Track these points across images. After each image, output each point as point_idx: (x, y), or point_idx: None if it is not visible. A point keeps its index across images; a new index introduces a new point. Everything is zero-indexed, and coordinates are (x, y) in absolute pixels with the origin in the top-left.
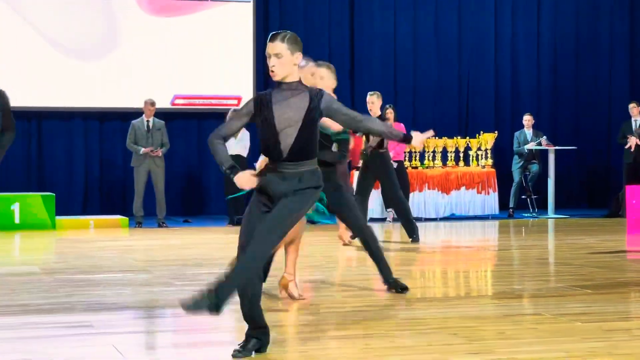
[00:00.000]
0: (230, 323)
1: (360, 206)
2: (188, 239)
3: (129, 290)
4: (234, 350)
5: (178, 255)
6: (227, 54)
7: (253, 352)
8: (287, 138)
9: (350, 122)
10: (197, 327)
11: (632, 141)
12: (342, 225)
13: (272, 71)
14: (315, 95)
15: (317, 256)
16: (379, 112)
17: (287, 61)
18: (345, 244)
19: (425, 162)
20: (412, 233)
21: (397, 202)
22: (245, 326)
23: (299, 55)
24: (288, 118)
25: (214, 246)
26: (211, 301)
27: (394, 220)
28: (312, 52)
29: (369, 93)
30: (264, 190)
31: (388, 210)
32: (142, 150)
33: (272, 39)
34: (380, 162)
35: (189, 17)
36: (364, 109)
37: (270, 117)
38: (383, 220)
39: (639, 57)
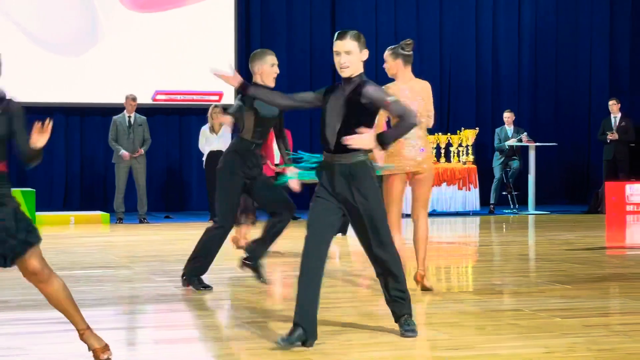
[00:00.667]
0: (211, 320)
1: None
2: (169, 235)
3: (109, 286)
4: (279, 338)
5: (159, 251)
6: (208, 49)
7: (298, 343)
8: (333, 130)
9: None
10: (177, 324)
11: (612, 136)
12: (242, 229)
13: (343, 68)
14: (358, 85)
15: (298, 250)
16: None
17: (356, 58)
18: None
19: None
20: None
21: None
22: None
23: (366, 52)
24: (335, 110)
25: (195, 242)
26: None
27: None
28: (293, 48)
29: None
30: (324, 185)
31: None
32: (123, 154)
33: (342, 37)
34: None
35: (171, 13)
36: None
37: (324, 109)
38: None
39: (619, 53)
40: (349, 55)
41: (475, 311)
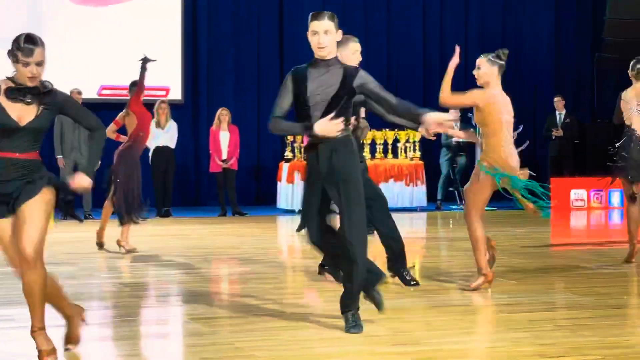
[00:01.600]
0: (157, 316)
1: None
2: (114, 231)
3: None
4: (348, 327)
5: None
6: (155, 44)
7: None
8: (317, 113)
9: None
10: (122, 320)
11: (557, 132)
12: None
13: (321, 47)
14: (351, 72)
15: (245, 247)
16: None
17: (333, 38)
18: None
19: None
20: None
21: None
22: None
23: (340, 33)
24: (319, 94)
25: (140, 238)
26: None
27: None
28: (241, 44)
29: None
30: (311, 170)
31: None
32: (60, 161)
33: (319, 17)
34: None
35: (117, 7)
36: None
37: (303, 92)
38: None
39: (564, 51)
40: (327, 35)
41: (422, 306)
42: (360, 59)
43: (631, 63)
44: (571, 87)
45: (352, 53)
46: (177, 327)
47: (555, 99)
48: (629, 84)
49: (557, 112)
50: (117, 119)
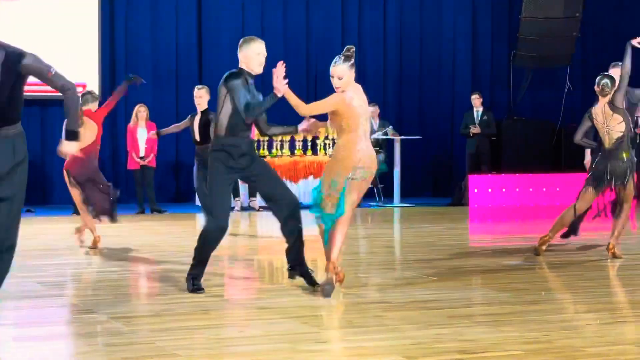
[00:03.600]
0: (76, 316)
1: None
2: (31, 229)
3: None
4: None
5: (21, 246)
6: (72, 40)
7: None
8: None
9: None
10: (39, 320)
11: (475, 129)
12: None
13: None
14: (13, 52)
15: (164, 245)
16: (206, 106)
17: None
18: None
19: (273, 151)
20: None
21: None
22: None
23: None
24: None
25: (58, 236)
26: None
27: (242, 209)
28: (159, 41)
29: (197, 87)
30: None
31: (236, 198)
32: None
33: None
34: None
35: (32, 1)
36: (211, 102)
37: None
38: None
39: (481, 49)
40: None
41: (343, 304)
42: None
43: (597, 79)
44: (488, 84)
45: (256, 54)
46: (97, 326)
47: (473, 97)
48: (542, 81)
49: (474, 110)
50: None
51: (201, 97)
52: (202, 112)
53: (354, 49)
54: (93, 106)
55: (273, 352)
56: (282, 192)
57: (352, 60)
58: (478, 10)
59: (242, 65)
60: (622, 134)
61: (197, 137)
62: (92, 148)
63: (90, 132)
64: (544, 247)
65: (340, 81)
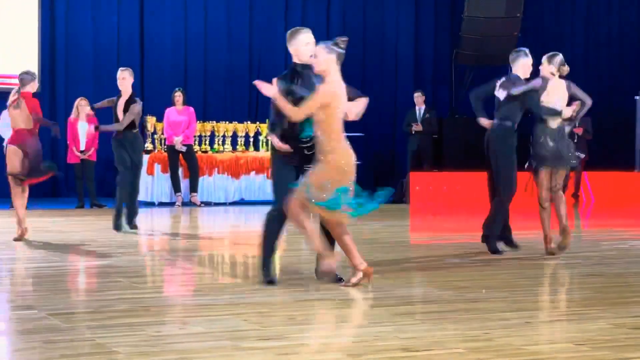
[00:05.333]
0: (11, 310)
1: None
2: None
3: None
4: None
5: None
6: (10, 31)
7: None
8: None
9: None
10: None
11: (417, 127)
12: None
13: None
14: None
15: (103, 240)
16: (130, 89)
17: None
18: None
19: (215, 146)
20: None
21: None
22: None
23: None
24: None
25: None
26: None
27: (183, 204)
28: (100, 32)
29: (120, 69)
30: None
31: (177, 194)
32: None
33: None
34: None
35: None
36: (153, 95)
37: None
38: (172, 204)
39: (423, 48)
40: None
41: (285, 301)
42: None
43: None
44: (430, 83)
45: (304, 45)
46: (34, 323)
47: (415, 94)
48: (484, 79)
49: (417, 107)
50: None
51: (124, 78)
52: (128, 96)
53: (346, 40)
54: (32, 87)
55: (215, 349)
56: None
57: (337, 49)
58: (420, 9)
59: (294, 59)
60: None
61: (120, 119)
62: (28, 133)
63: (25, 116)
64: (552, 245)
65: (315, 60)
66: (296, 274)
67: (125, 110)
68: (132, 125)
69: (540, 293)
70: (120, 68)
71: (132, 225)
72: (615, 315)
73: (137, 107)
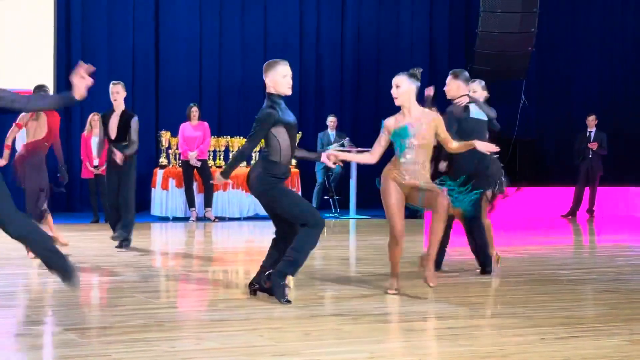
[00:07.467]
0: (26, 325)
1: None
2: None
3: None
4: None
5: None
6: (26, 45)
7: None
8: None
9: None
10: None
11: None
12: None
13: None
14: None
15: (119, 255)
16: (123, 104)
17: None
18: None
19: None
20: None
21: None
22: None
23: None
24: None
25: (7, 245)
26: None
27: (198, 219)
28: (116, 50)
29: (112, 82)
30: None
31: (191, 209)
32: None
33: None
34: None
35: None
36: (167, 110)
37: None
38: (186, 219)
39: (439, 58)
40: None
41: (299, 316)
42: (291, 82)
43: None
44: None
45: (282, 77)
46: (51, 338)
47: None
48: (498, 95)
49: None
50: (18, 121)
51: (118, 92)
52: (121, 111)
53: (422, 71)
54: None
55: None
56: None
57: (415, 80)
58: (435, 25)
59: (269, 90)
60: None
61: (112, 136)
62: (40, 144)
63: (40, 128)
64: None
65: (398, 90)
66: (310, 290)
67: (122, 124)
68: (125, 137)
69: (555, 309)
70: (113, 82)
71: (117, 237)
72: (630, 332)
73: (137, 120)
